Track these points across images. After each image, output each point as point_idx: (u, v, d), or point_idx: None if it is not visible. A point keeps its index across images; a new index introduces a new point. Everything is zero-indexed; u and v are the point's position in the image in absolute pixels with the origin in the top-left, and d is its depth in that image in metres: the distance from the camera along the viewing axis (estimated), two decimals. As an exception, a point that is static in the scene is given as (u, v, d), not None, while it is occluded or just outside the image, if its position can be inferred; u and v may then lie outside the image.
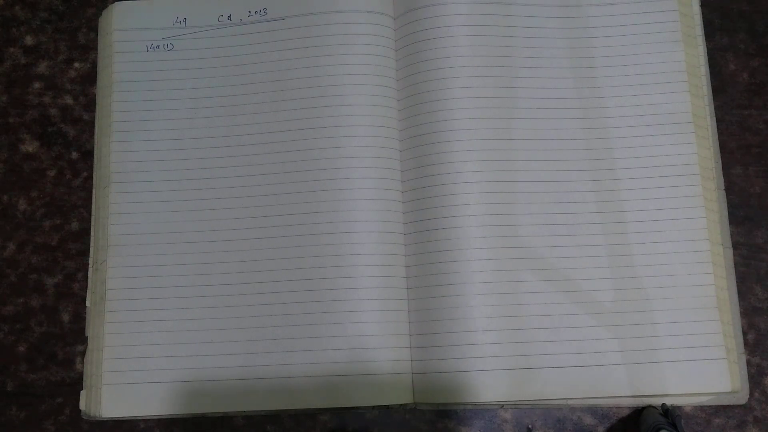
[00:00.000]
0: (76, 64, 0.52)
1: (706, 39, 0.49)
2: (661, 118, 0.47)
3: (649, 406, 0.44)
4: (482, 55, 0.47)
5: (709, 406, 0.45)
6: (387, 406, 0.45)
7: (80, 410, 0.46)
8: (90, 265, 0.48)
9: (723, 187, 0.47)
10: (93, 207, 0.49)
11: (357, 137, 0.47)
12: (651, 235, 0.45)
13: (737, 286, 0.46)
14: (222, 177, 0.48)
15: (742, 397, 0.44)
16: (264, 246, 0.47)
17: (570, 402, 0.44)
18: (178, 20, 0.51)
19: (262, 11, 0.50)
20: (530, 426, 0.45)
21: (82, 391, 0.46)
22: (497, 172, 0.46)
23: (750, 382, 0.45)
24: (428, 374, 0.44)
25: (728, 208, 0.47)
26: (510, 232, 0.45)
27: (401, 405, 0.45)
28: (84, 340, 0.47)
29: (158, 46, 0.51)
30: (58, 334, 0.48)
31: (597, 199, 0.46)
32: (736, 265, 0.46)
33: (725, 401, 0.44)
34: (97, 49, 0.52)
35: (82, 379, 0.47)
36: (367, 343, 0.45)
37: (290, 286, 0.46)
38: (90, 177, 0.50)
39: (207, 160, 0.48)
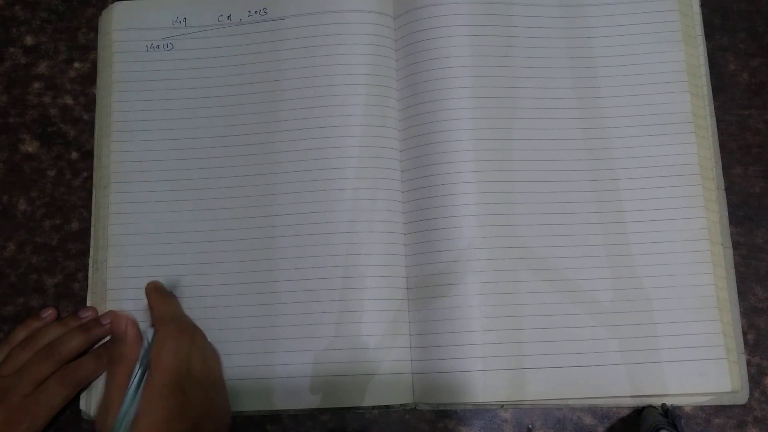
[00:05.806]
0: (76, 64, 0.52)
1: (706, 39, 0.49)
2: (661, 118, 0.47)
3: (649, 406, 0.44)
4: (482, 55, 0.47)
5: (709, 406, 0.45)
6: (387, 406, 0.45)
7: (80, 410, 0.46)
8: (90, 265, 0.48)
9: (723, 187, 0.47)
10: (93, 207, 0.49)
11: (357, 137, 0.47)
12: (651, 235, 0.45)
13: (737, 286, 0.46)
14: (222, 177, 0.48)
15: (742, 397, 0.44)
16: (264, 246, 0.47)
17: (570, 402, 0.44)
18: (178, 20, 0.51)
19: (262, 11, 0.50)
20: (530, 426, 0.45)
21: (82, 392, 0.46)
22: (497, 172, 0.46)
23: (750, 382, 0.45)
24: (428, 374, 0.44)
25: (728, 208, 0.47)
26: (509, 232, 0.45)
27: (401, 405, 0.45)
28: (84, 340, 0.47)
29: (158, 46, 0.51)
30: (58, 334, 0.48)
31: (596, 199, 0.46)
32: (736, 265, 0.46)
33: (725, 401, 0.44)
34: (97, 49, 0.52)
35: (82, 379, 0.47)
36: (367, 343, 0.45)
37: (290, 286, 0.46)
38: (90, 177, 0.50)
39: (207, 160, 0.48)
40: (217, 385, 0.42)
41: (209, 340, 0.45)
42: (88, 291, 0.48)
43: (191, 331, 0.42)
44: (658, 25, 0.48)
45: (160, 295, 0.44)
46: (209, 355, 0.42)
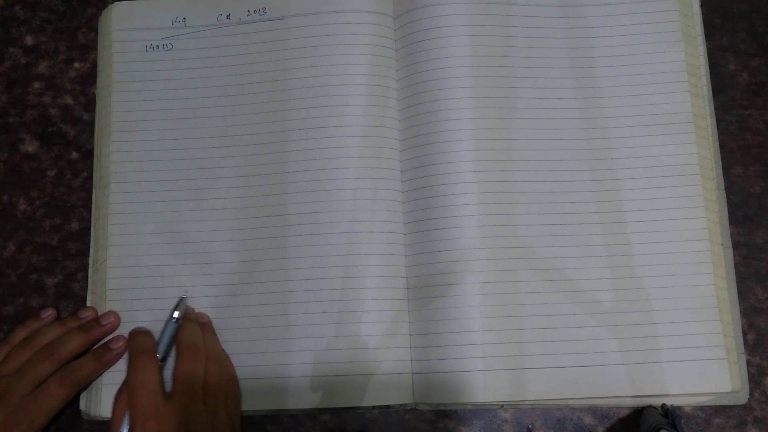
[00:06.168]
0: (76, 64, 0.52)
1: (706, 39, 0.49)
2: (661, 118, 0.47)
3: (649, 406, 0.44)
4: (482, 55, 0.47)
5: (709, 406, 0.45)
6: (387, 406, 0.45)
7: (80, 410, 0.46)
8: (90, 265, 0.48)
9: (723, 187, 0.47)
10: (93, 207, 0.49)
11: (357, 137, 0.47)
12: (651, 235, 0.45)
13: (737, 286, 0.46)
14: (222, 177, 0.48)
15: (742, 397, 0.44)
16: (264, 246, 0.47)
17: (570, 402, 0.44)
18: (178, 20, 0.51)
19: (261, 11, 0.50)
20: (530, 426, 0.45)
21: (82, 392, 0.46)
22: (497, 172, 0.46)
23: (750, 382, 0.45)
24: (428, 374, 0.44)
25: (728, 208, 0.47)
26: (509, 232, 0.45)
27: (401, 405, 0.45)
28: (84, 340, 0.47)
29: (158, 46, 0.51)
30: (58, 334, 0.48)
31: (597, 199, 0.46)
32: (736, 265, 0.46)
33: (725, 401, 0.44)
34: (97, 49, 0.52)
35: (82, 379, 0.47)
36: (367, 343, 0.45)
37: (290, 287, 0.46)
38: (90, 177, 0.50)
39: (207, 160, 0.48)
40: (215, 398, 0.41)
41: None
42: (88, 291, 0.48)
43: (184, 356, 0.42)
44: (658, 25, 0.48)
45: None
46: (190, 375, 0.41)
